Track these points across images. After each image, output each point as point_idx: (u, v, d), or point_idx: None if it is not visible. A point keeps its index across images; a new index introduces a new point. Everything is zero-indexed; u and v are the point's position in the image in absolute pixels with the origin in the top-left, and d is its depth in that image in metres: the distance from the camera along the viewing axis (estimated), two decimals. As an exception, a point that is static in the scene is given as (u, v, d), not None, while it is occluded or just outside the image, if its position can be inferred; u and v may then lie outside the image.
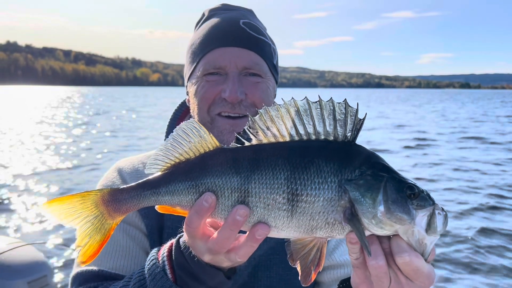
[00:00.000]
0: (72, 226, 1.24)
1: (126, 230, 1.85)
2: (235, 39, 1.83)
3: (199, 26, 1.99)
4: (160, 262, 1.43)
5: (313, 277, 1.18)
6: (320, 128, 1.16)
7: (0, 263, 3.40)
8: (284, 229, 1.17)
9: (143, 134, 25.85)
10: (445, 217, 1.12)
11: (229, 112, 1.80)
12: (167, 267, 1.41)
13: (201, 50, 1.87)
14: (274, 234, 1.19)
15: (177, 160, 1.23)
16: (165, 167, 1.23)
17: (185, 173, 1.21)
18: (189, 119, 1.25)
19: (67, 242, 7.89)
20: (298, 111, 1.15)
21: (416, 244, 1.12)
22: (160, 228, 1.88)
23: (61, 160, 16.46)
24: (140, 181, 1.25)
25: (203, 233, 1.24)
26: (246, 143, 1.19)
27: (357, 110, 1.15)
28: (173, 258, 1.40)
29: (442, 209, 1.13)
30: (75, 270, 1.79)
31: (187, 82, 1.97)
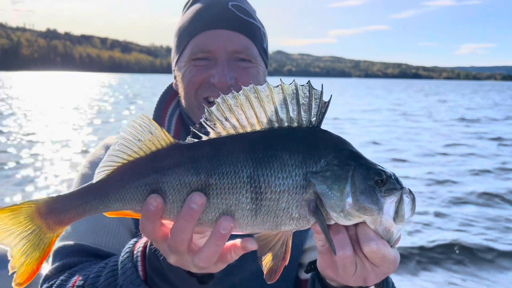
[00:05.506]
0: (4, 246, 1.09)
1: None
2: (224, 21, 1.77)
3: (187, 9, 1.94)
4: (134, 256, 1.37)
5: (279, 272, 1.11)
6: (283, 115, 1.08)
7: None
8: (248, 228, 1.11)
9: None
10: (413, 200, 1.09)
11: (216, 98, 1.74)
12: (139, 263, 1.35)
13: (188, 34, 1.82)
14: (237, 232, 1.12)
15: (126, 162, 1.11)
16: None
17: (137, 176, 1.09)
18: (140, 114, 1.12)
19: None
20: (258, 98, 1.06)
21: (383, 232, 1.10)
22: None
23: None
24: (80, 188, 1.11)
25: (163, 233, 1.14)
26: (204, 138, 1.10)
27: (321, 92, 1.07)
28: (147, 255, 1.34)
29: (410, 192, 1.10)
30: (57, 244, 1.76)
31: (175, 67, 1.92)
